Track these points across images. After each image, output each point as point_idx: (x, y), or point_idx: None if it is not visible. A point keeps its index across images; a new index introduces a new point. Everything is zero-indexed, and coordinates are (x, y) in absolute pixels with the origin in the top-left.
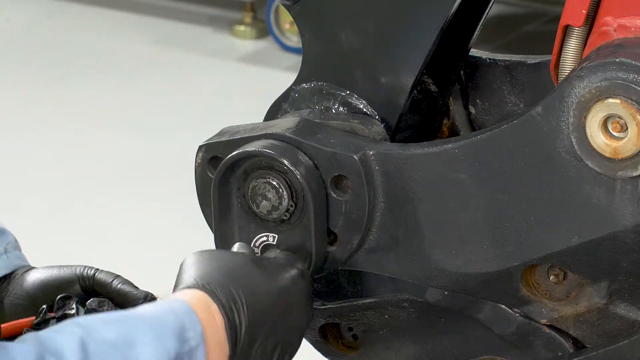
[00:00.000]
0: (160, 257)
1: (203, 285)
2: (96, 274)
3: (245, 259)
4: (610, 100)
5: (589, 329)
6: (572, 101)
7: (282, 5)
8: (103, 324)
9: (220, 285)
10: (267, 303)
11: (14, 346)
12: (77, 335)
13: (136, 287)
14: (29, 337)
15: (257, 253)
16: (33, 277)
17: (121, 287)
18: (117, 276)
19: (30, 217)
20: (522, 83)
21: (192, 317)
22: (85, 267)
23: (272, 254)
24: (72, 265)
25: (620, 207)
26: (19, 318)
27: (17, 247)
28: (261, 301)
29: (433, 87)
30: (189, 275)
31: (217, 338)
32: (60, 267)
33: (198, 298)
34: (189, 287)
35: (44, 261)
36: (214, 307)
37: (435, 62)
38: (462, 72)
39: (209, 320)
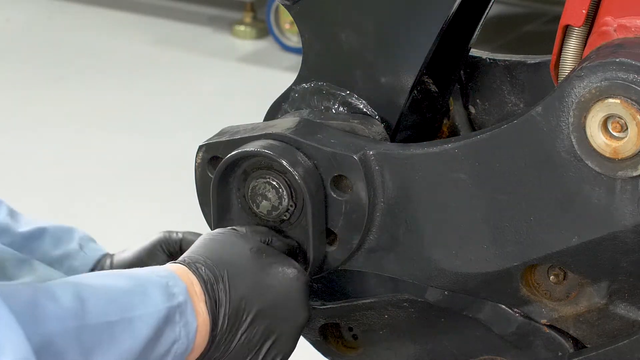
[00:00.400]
0: None
1: (188, 262)
2: (183, 240)
3: (243, 244)
4: (610, 100)
5: (589, 329)
6: (572, 101)
7: (282, 5)
8: (92, 277)
9: (204, 264)
10: (254, 289)
11: (9, 284)
12: (70, 284)
13: None
14: (22, 282)
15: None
16: (120, 263)
17: None
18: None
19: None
20: (522, 83)
21: (174, 277)
22: (169, 232)
23: (276, 244)
24: (156, 234)
25: (620, 207)
26: None
27: (91, 240)
28: (247, 286)
29: (433, 87)
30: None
31: (200, 306)
32: (143, 243)
33: (180, 269)
34: (174, 262)
35: None
36: (195, 279)
37: (435, 62)
38: (462, 72)
39: (191, 286)
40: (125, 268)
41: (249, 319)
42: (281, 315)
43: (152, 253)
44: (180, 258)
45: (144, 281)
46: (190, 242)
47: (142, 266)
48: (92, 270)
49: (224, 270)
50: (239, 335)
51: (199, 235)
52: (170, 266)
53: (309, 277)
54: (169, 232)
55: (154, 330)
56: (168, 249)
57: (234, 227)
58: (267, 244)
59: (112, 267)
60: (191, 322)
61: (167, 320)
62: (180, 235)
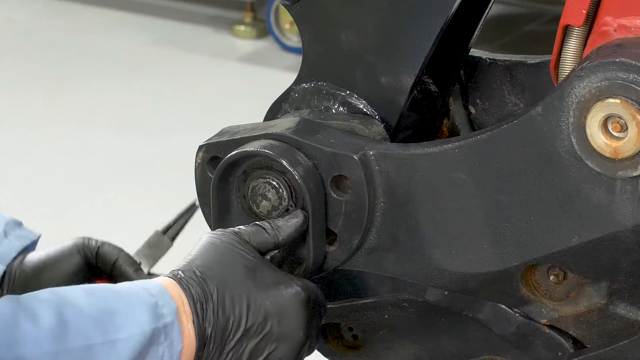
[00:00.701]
0: None
1: (180, 278)
2: (100, 248)
3: (239, 258)
4: (610, 100)
5: (589, 329)
6: (572, 101)
7: (282, 5)
8: (79, 294)
9: (196, 280)
10: (244, 308)
11: None
12: (54, 303)
13: (139, 269)
14: (7, 297)
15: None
16: (31, 261)
17: (126, 268)
18: (121, 251)
19: (30, 217)
20: (522, 83)
21: (165, 295)
22: (88, 238)
23: (275, 263)
24: (72, 239)
25: (620, 207)
26: None
27: (17, 224)
28: (236, 305)
29: (433, 87)
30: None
31: (188, 327)
32: (60, 243)
33: (172, 286)
34: (167, 275)
35: None
36: (185, 298)
37: (435, 62)
38: (462, 72)
39: (181, 306)
40: (36, 268)
41: (236, 338)
42: (274, 333)
43: (68, 255)
44: (175, 269)
45: (132, 300)
46: (107, 253)
47: (54, 267)
48: (18, 255)
49: (215, 287)
50: (225, 354)
51: (116, 247)
52: (162, 281)
53: (313, 295)
54: (88, 238)
55: (137, 352)
56: (85, 253)
57: (236, 231)
58: (268, 254)
59: (21, 265)
60: (176, 343)
61: (151, 341)
62: (98, 242)
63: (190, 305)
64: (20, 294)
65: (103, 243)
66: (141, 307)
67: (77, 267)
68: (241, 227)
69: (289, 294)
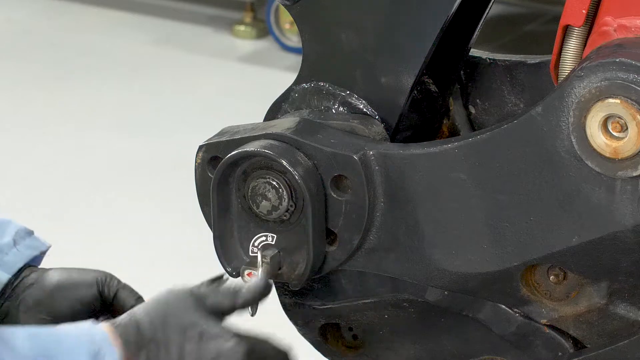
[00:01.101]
0: (159, 257)
1: (117, 325)
2: (119, 291)
3: (182, 314)
4: (610, 100)
5: (589, 329)
6: (572, 101)
7: (282, 5)
8: (19, 337)
9: (133, 331)
10: None
11: None
12: None
13: None
14: None
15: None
16: (52, 276)
17: None
18: (139, 299)
19: (30, 217)
20: (522, 83)
21: (108, 344)
22: (111, 276)
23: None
24: (96, 270)
25: (620, 207)
26: None
27: (28, 234)
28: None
29: (433, 87)
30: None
31: None
32: (83, 269)
33: (112, 334)
34: (110, 323)
35: (44, 261)
36: (123, 350)
37: (435, 62)
38: (462, 72)
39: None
40: (54, 286)
41: None
42: None
43: (87, 285)
44: (120, 318)
45: (73, 346)
46: (124, 299)
47: (70, 291)
48: (27, 264)
49: (150, 342)
50: None
51: (135, 294)
52: (105, 328)
53: (259, 347)
54: (111, 276)
55: None
56: (103, 289)
57: (193, 291)
58: (215, 312)
59: (40, 279)
60: None
61: None
62: (120, 285)
63: (121, 354)
64: (31, 306)
65: (124, 286)
66: (82, 354)
67: (92, 299)
68: (201, 285)
69: (228, 348)
